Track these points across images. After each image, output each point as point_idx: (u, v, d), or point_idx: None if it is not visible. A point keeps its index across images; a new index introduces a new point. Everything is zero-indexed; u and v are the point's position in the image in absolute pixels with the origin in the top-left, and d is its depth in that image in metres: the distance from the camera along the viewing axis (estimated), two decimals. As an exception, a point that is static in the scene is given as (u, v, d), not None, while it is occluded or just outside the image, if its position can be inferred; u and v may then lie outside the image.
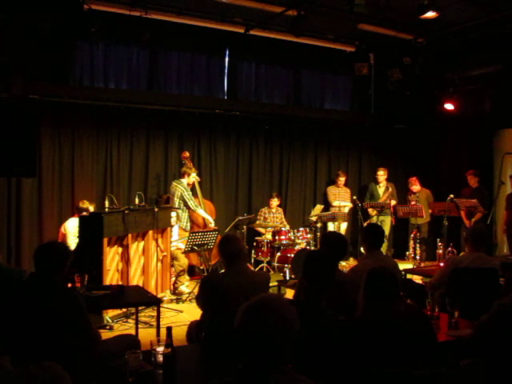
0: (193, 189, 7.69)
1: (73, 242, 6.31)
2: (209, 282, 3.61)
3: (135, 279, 6.15)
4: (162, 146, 8.27)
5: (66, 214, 7.33)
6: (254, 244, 8.31)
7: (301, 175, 9.53)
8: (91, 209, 6.72)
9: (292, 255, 7.64)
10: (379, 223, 8.61)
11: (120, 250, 5.96)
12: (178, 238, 7.30)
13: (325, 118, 9.58)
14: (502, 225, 8.27)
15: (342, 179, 9.26)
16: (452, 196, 7.87)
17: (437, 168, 9.87)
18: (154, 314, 5.15)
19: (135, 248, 6.23)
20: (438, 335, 3.06)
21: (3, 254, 5.17)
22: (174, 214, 7.14)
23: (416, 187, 8.99)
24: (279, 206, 8.89)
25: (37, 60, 6.81)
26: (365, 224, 8.24)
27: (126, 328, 5.45)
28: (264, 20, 7.64)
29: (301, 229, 8.37)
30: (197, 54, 8.46)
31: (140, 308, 5.31)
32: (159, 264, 6.74)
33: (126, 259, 5.97)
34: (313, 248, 7.90)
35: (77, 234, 6.06)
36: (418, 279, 6.20)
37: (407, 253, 8.55)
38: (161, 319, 4.22)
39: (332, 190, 9.33)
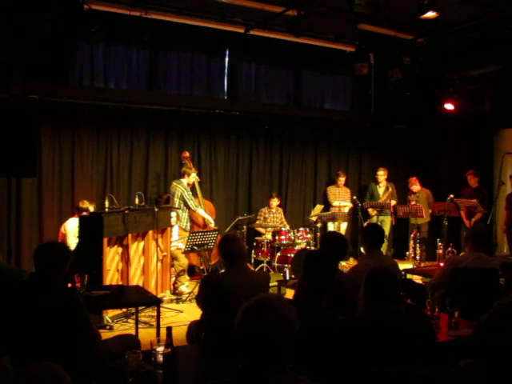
0: (193, 189, 7.69)
1: (73, 242, 6.31)
2: (209, 282, 3.60)
3: (135, 279, 6.16)
4: (162, 146, 8.27)
5: (66, 214, 7.33)
6: (254, 244, 8.31)
7: (301, 175, 9.53)
8: (91, 209, 6.71)
9: (292, 255, 7.64)
10: (379, 223, 8.61)
11: (120, 250, 5.96)
12: (178, 237, 7.30)
13: (325, 118, 9.57)
14: (502, 225, 8.27)
15: (342, 179, 9.26)
16: (452, 196, 7.86)
17: (437, 168, 9.86)
18: (154, 313, 5.15)
19: (135, 248, 6.23)
20: (438, 335, 3.06)
21: (3, 254, 5.17)
22: (174, 214, 7.14)
23: (416, 187, 8.99)
24: (279, 206, 8.89)
25: (37, 60, 6.79)
26: (365, 224, 8.24)
27: (126, 328, 5.45)
28: (264, 20, 7.64)
29: (301, 229, 8.37)
30: (197, 54, 8.46)
31: (140, 308, 5.31)
32: (159, 264, 6.74)
33: (126, 259, 5.97)
34: (313, 248, 7.89)
35: (77, 234, 6.06)
36: (418, 279, 6.20)
37: (407, 253, 8.55)
38: (161, 319, 4.22)
39: (332, 190, 9.32)
